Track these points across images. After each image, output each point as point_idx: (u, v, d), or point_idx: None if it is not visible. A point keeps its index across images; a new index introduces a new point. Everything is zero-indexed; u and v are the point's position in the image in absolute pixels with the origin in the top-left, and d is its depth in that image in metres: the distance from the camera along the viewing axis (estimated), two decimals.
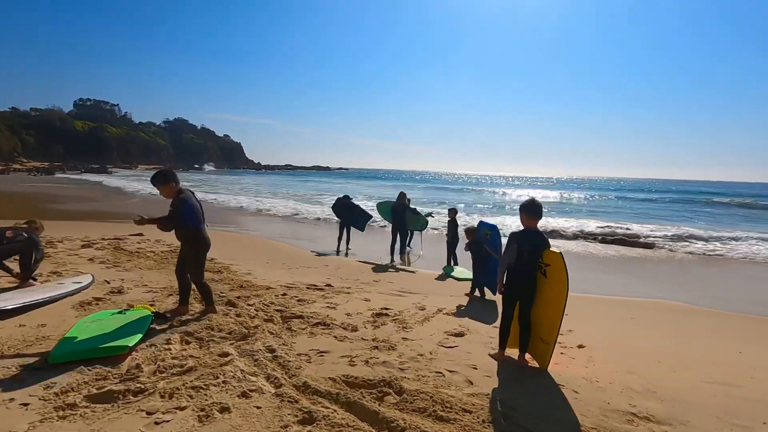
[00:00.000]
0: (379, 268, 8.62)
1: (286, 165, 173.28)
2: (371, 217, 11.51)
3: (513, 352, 3.86)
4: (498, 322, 4.12)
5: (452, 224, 9.15)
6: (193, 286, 4.42)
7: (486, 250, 6.43)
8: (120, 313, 4.06)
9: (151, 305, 4.62)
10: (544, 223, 19.61)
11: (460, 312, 5.43)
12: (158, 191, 4.15)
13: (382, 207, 11.52)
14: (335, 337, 4.08)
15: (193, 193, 4.28)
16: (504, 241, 4.86)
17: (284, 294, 5.59)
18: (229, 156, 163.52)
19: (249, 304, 4.90)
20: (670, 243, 14.38)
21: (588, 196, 45.44)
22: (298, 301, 5.32)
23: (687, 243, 14.43)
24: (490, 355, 3.89)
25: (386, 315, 5.00)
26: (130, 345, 3.29)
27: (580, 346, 4.28)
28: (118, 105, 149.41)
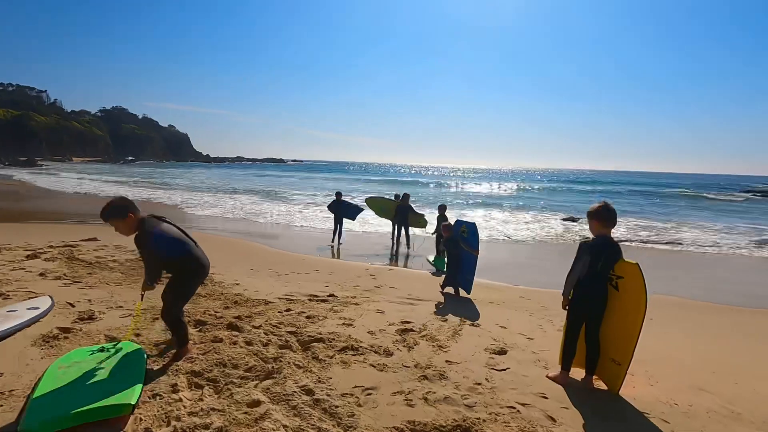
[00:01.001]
0: (374, 270, 8.07)
1: (237, 157, 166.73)
2: (362, 209, 11.91)
3: (574, 372, 3.48)
4: (532, 334, 3.72)
5: (441, 219, 9.28)
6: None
7: (462, 246, 6.50)
8: (102, 350, 3.22)
9: (137, 335, 3.78)
10: (512, 218, 19.85)
11: (472, 317, 5.00)
12: (114, 228, 3.13)
13: (376, 203, 11.27)
14: (372, 365, 3.49)
15: (161, 218, 3.34)
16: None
17: (288, 310, 4.89)
18: (175, 148, 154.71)
19: (255, 327, 4.17)
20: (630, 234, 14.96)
21: (542, 188, 47.14)
22: (307, 318, 4.65)
23: (647, 233, 15.08)
24: (549, 377, 3.48)
25: (412, 330, 4.46)
26: (132, 402, 2.51)
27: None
28: (46, 91, 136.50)
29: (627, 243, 13.54)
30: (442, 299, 6.11)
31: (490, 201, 29.29)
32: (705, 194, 41.93)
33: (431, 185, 48.33)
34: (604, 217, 3.25)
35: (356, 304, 5.44)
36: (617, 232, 15.59)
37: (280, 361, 3.37)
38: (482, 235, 13.11)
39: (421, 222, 11.09)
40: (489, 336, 4.48)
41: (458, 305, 5.86)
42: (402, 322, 4.74)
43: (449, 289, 6.49)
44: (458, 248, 6.49)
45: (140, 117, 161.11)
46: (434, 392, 3.06)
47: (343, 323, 4.55)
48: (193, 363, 3.24)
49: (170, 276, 3.35)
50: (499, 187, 47.28)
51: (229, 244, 10.38)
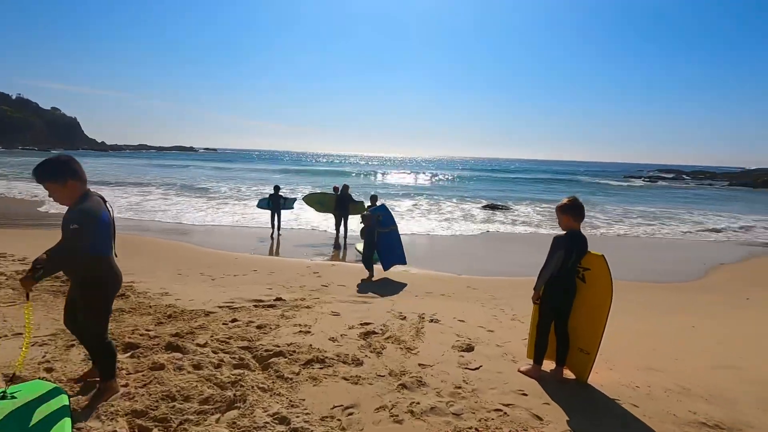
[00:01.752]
0: (316, 267, 7.69)
1: (140, 145, 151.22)
2: (296, 199, 12.61)
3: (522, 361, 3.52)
4: (463, 320, 3.73)
5: (342, 200, 10.56)
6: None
7: (381, 231, 7.22)
8: (2, 397, 2.52)
9: (47, 370, 3.06)
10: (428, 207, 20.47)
11: (430, 313, 4.94)
12: (48, 192, 2.53)
13: (314, 199, 11.40)
14: (345, 378, 3.20)
15: (103, 199, 2.69)
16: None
17: (234, 321, 4.37)
18: (61, 134, 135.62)
19: (200, 345, 3.62)
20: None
21: (452, 177, 49.47)
22: (259, 328, 4.19)
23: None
24: (521, 371, 3.48)
25: (375, 333, 4.23)
26: None
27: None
28: None
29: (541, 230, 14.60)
30: (394, 295, 5.98)
31: (414, 191, 29.97)
32: (608, 181, 47.46)
33: (354, 175, 48.19)
34: (575, 211, 3.29)
35: (308, 307, 5.06)
36: (532, 219, 16.81)
37: (241, 386, 2.94)
38: (413, 226, 13.26)
39: (360, 208, 11.13)
40: (451, 332, 4.41)
41: (412, 300, 5.76)
42: (362, 324, 4.49)
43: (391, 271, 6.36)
44: (374, 236, 7.14)
45: (14, 97, 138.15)
46: (418, 403, 2.87)
47: (300, 331, 4.17)
48: (133, 400, 2.67)
49: (79, 286, 2.61)
50: (420, 177, 48.62)
51: (147, 244, 9.22)
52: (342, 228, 10.96)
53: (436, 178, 47.12)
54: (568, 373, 3.49)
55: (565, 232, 3.34)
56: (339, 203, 10.90)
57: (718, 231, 15.55)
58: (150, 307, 4.67)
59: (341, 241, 10.81)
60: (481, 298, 6.06)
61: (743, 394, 3.26)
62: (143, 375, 3.02)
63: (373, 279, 7.12)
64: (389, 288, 6.43)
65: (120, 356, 3.28)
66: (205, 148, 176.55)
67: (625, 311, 5.62)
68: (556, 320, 3.44)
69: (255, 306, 4.99)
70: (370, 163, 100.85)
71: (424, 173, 56.03)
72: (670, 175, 69.58)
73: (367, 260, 7.18)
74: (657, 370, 3.66)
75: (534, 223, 15.75)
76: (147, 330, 3.91)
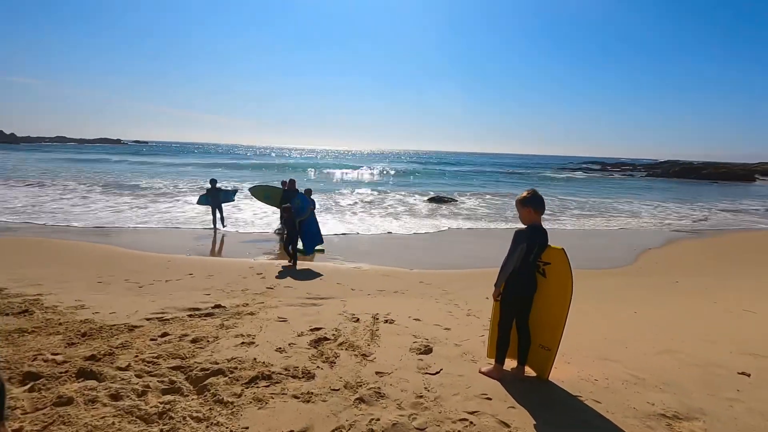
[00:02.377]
0: (259, 267, 7.18)
1: (57, 137, 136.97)
2: (237, 190, 12.58)
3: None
4: (410, 314, 3.58)
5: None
6: None
7: (299, 220, 7.86)
8: None
9: None
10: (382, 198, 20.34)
11: (383, 312, 4.72)
12: None
13: (260, 191, 10.74)
14: (296, 396, 2.85)
15: None
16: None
17: (164, 335, 3.84)
18: None
19: (121, 368, 3.10)
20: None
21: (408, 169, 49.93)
22: (194, 342, 3.70)
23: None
24: (483, 372, 3.34)
25: (326, 339, 3.91)
26: None
27: None
28: None
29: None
30: (345, 295, 5.67)
31: (358, 184, 29.69)
32: (548, 173, 50.10)
33: (301, 170, 46.91)
34: (535, 204, 3.16)
35: (251, 313, 4.62)
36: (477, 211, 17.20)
37: (171, 417, 2.50)
38: (356, 222, 13.02)
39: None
40: (408, 333, 4.20)
41: (364, 299, 5.49)
42: (312, 330, 4.15)
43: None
44: (294, 225, 7.74)
45: None
46: (378, 419, 2.60)
47: (243, 342, 3.74)
48: None
49: None
50: (363, 171, 48.20)
51: (61, 249, 8.13)
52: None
53: (382, 171, 47.07)
54: (528, 371, 3.40)
55: (526, 226, 3.21)
56: (285, 198, 10.38)
57: (641, 218, 16.85)
58: (60, 324, 3.99)
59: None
60: (434, 293, 5.93)
61: (690, 380, 3.35)
62: (44, 414, 2.48)
63: (297, 268, 7.36)
64: (339, 288, 6.11)
65: (15, 391, 2.69)
66: (134, 141, 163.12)
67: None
68: (516, 317, 3.32)
69: (190, 316, 4.46)
70: (321, 156, 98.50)
71: (370, 167, 55.81)
72: (597, 167, 75.27)
73: (287, 248, 7.73)
74: (611, 360, 3.69)
75: (479, 216, 16.10)
76: (54, 354, 3.30)
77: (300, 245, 8.20)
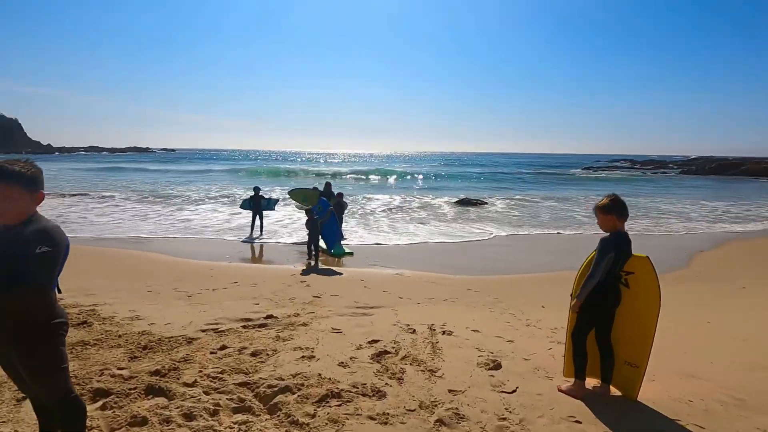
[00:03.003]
0: (300, 274, 7.12)
1: (90, 147, 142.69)
2: (278, 200, 12.55)
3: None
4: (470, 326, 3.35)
5: (339, 207, 10.21)
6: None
7: (320, 221, 8.39)
8: None
9: None
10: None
11: (438, 322, 4.52)
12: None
13: (298, 194, 10.85)
14: (371, 418, 2.69)
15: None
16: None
17: (223, 348, 3.76)
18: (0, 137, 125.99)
19: (188, 384, 3.02)
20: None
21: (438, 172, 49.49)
22: (254, 356, 3.61)
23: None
24: (563, 391, 3.11)
25: (387, 353, 3.75)
26: None
27: None
28: None
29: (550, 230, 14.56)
30: (394, 304, 5.51)
31: (383, 188, 29.59)
32: (577, 172, 48.76)
33: (330, 176, 47.11)
34: (619, 210, 2.91)
35: (304, 324, 4.51)
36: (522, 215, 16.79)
37: None
38: (386, 228, 12.86)
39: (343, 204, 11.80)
40: (470, 345, 4.00)
41: (414, 308, 5.33)
42: (370, 343, 4.00)
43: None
44: (317, 225, 8.30)
45: None
46: None
47: (303, 356, 3.62)
48: None
49: (24, 337, 1.88)
50: (384, 173, 47.85)
51: (107, 257, 8.29)
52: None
53: (405, 173, 46.50)
54: (612, 389, 3.15)
55: (609, 234, 2.97)
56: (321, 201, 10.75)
57: (689, 218, 16.09)
58: (119, 336, 3.97)
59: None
60: (485, 301, 5.71)
61: None
62: None
63: (320, 266, 7.86)
64: (386, 296, 5.96)
65: (89, 409, 2.63)
66: (162, 149, 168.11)
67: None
68: (597, 331, 3.09)
69: (244, 327, 4.38)
70: (346, 160, 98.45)
71: (391, 170, 55.52)
72: (626, 165, 72.85)
73: (309, 247, 8.28)
74: (700, 377, 3.40)
75: (514, 220, 15.71)
76: (120, 369, 3.25)
77: (323, 245, 8.92)
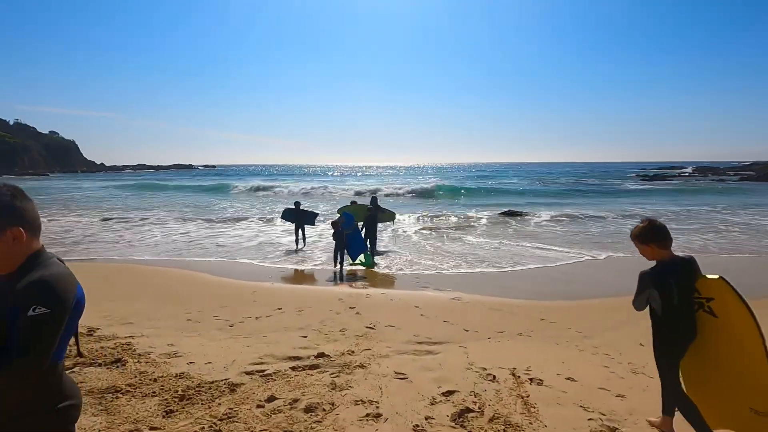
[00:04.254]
0: (347, 297, 6.51)
1: (139, 165, 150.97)
2: (318, 214, 12.49)
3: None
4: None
5: (371, 219, 10.40)
6: None
7: (345, 232, 8.83)
8: None
9: None
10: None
11: (520, 366, 3.72)
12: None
13: (348, 210, 11.37)
14: None
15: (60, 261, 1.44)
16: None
17: (271, 399, 3.15)
18: (59, 157, 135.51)
19: None
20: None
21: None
22: (307, 412, 2.98)
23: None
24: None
25: (470, 411, 3.03)
26: None
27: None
28: None
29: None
30: (461, 338, 4.77)
31: (414, 203, 28.81)
32: (628, 184, 45.83)
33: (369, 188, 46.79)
34: (658, 237, 2.57)
35: (361, 366, 3.85)
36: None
37: None
38: (430, 244, 12.08)
39: (389, 216, 12.51)
40: (570, 402, 3.21)
41: (485, 344, 4.57)
42: (444, 395, 3.29)
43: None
44: (342, 236, 8.73)
45: (11, 123, 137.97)
46: None
47: (367, 414, 2.97)
48: None
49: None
50: (410, 185, 46.10)
51: (143, 276, 8.02)
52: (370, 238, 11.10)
53: (434, 186, 44.06)
54: None
55: (655, 264, 2.60)
56: (367, 221, 11.07)
57: None
58: (154, 381, 3.45)
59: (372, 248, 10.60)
60: (568, 336, 4.86)
61: None
62: None
63: (345, 272, 8.57)
64: (449, 328, 5.21)
65: None
66: (203, 165, 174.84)
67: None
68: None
69: (293, 369, 3.78)
70: (381, 173, 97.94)
71: (420, 181, 54.29)
72: (674, 173, 68.21)
73: (335, 255, 8.81)
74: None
75: (563, 233, 14.54)
76: (152, 429, 2.71)
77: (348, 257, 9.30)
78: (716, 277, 2.47)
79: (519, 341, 4.71)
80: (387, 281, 8.16)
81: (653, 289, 2.53)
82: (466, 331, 5.05)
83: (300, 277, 8.67)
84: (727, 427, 2.50)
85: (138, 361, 3.87)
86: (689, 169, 71.50)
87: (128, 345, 4.27)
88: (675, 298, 2.50)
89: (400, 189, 35.47)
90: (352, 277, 8.45)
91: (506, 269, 8.97)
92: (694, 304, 2.55)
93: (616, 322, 5.33)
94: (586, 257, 10.10)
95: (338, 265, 8.78)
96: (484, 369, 3.79)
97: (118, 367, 3.74)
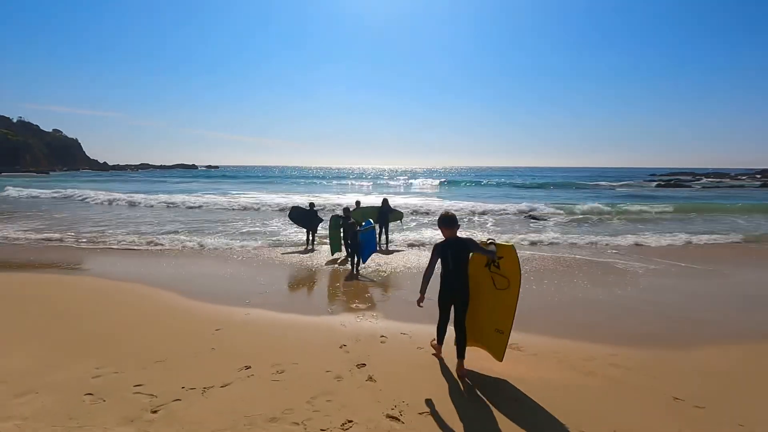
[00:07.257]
0: (352, 343, 4.41)
1: (141, 164, 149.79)
2: (323, 220, 11.91)
3: None
4: None
5: (382, 215, 11.22)
6: None
7: (360, 232, 8.44)
8: None
9: None
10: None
11: None
12: None
13: (357, 214, 10.87)
14: None
15: None
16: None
17: None
18: (61, 155, 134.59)
19: None
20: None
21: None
22: None
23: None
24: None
25: None
26: None
27: None
28: None
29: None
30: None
31: (441, 206, 26.64)
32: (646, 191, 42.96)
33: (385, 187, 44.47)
34: (446, 223, 3.68)
35: None
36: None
37: None
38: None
39: (397, 215, 12.28)
40: None
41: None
42: None
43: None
44: (356, 237, 8.31)
45: (15, 120, 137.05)
46: None
47: None
48: None
49: None
50: (420, 186, 44.09)
51: (41, 288, 5.93)
52: (384, 236, 11.53)
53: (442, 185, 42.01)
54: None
55: (442, 240, 3.71)
56: (380, 215, 11.54)
57: None
58: None
59: (383, 246, 11.03)
60: (603, 386, 2.74)
61: None
62: None
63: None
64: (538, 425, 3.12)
65: None
66: (206, 166, 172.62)
67: None
68: (455, 315, 3.69)
69: None
70: (376, 173, 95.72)
71: (429, 181, 52.26)
72: (688, 178, 65.30)
73: (351, 257, 8.48)
74: None
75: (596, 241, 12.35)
76: None
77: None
78: (510, 244, 3.71)
79: (556, 393, 2.56)
80: (403, 306, 5.96)
81: (436, 256, 3.72)
82: (538, 417, 2.91)
83: (293, 291, 6.56)
84: (481, 343, 3.85)
85: None
86: (689, 176, 68.65)
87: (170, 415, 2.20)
88: (450, 262, 3.66)
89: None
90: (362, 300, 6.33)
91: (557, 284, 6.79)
92: (464, 269, 3.68)
93: (724, 383, 3.19)
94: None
95: (355, 268, 8.29)
96: None
97: None
